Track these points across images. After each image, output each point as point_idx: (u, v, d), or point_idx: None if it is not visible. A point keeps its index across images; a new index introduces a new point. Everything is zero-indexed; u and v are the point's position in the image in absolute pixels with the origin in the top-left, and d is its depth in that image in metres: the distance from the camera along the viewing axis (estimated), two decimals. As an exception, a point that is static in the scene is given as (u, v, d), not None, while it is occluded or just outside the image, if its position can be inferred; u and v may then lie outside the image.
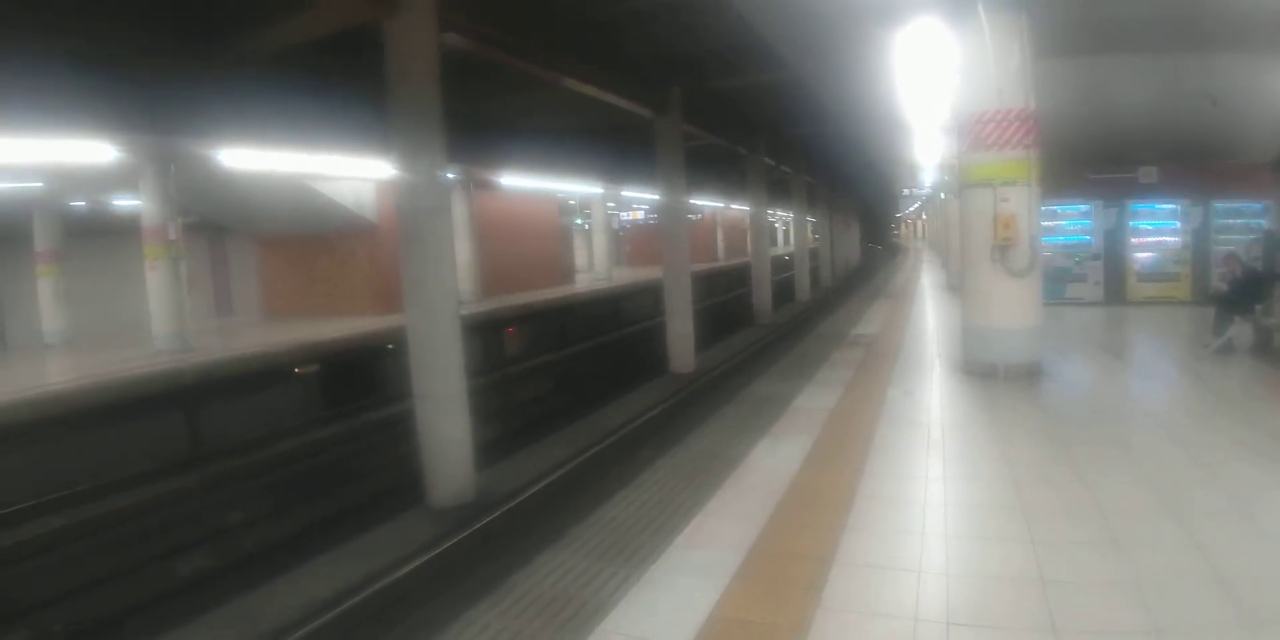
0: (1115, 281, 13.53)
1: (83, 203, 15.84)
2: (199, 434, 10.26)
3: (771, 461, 5.30)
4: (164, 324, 12.45)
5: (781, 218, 47.21)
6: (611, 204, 27.81)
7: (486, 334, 15.20)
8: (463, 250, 16.59)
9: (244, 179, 13.00)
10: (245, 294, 18.49)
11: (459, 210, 17.23)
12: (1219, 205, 13.15)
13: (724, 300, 26.50)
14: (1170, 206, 13.34)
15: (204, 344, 12.73)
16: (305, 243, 16.93)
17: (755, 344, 17.09)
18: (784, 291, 26.65)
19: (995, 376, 7.63)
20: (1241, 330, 8.44)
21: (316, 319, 15.54)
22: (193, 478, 9.01)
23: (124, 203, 15.44)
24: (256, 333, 14.43)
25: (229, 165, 11.06)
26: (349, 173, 14.02)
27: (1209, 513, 4.06)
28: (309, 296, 16.92)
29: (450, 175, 10.70)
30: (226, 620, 5.38)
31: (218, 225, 17.91)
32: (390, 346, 12.73)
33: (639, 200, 28.23)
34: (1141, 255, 13.45)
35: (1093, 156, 13.48)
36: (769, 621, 3.13)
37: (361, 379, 12.76)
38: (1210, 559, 3.50)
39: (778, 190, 28.36)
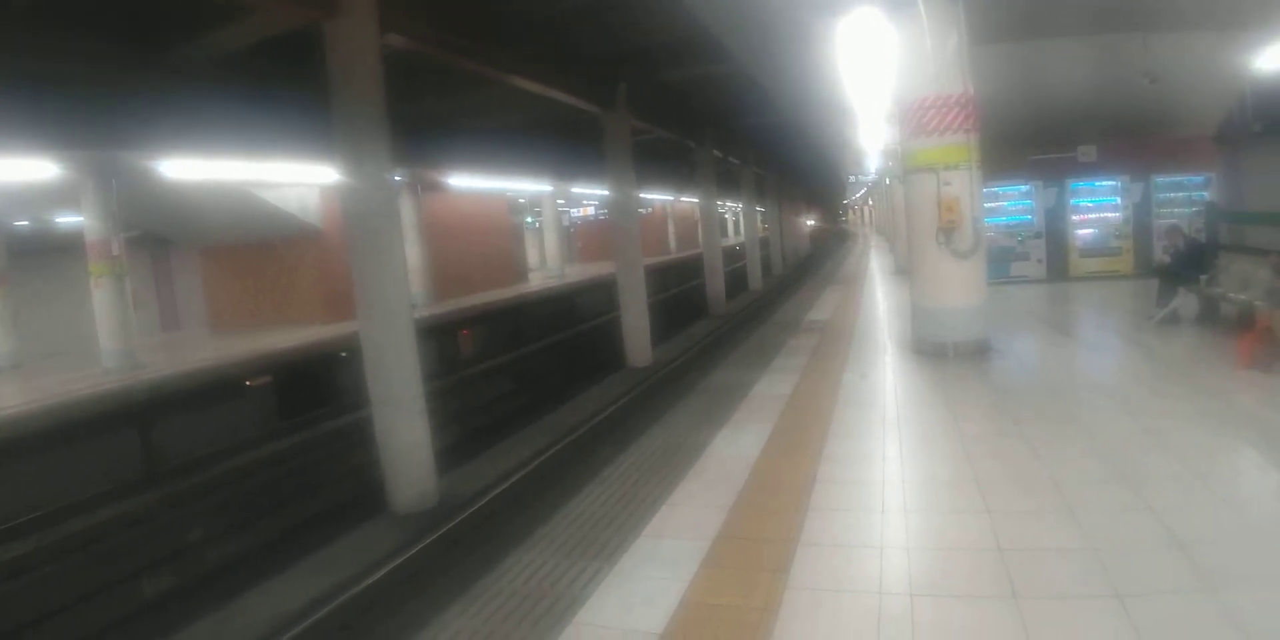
0: (1058, 258, 13.90)
1: (25, 222, 15.34)
2: (153, 452, 10.02)
3: (733, 450, 5.36)
4: (111, 341, 12.16)
5: (732, 208, 47.51)
6: (562, 201, 27.74)
7: (441, 337, 15.07)
8: (412, 253, 16.38)
9: (186, 189, 12.73)
10: (191, 307, 18.06)
11: (407, 212, 17.04)
12: (1159, 180, 13.55)
13: (678, 292, 26.63)
14: (1110, 183, 13.72)
15: (152, 360, 12.42)
16: (251, 252, 16.60)
17: (711, 334, 17.21)
18: (737, 281, 26.86)
19: (945, 355, 7.80)
20: (1186, 301, 8.72)
21: (266, 329, 15.26)
22: (151, 496, 8.80)
23: (67, 220, 14.99)
24: (204, 346, 14.12)
25: (171, 176, 10.83)
26: (293, 179, 13.79)
27: (1161, 478, 4.20)
28: (257, 306, 16.60)
29: (397, 177, 10.60)
30: (196, 637, 5.28)
31: (161, 238, 17.47)
32: (343, 354, 12.56)
33: (589, 196, 28.21)
34: (1083, 232, 13.84)
35: (1033, 138, 13.82)
36: (739, 604, 3.19)
37: (315, 389, 12.57)
38: (1165, 523, 3.63)
39: (727, 181, 28.55)
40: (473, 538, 6.64)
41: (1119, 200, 13.65)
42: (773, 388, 7.19)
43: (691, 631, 3.02)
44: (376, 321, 7.46)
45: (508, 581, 3.77)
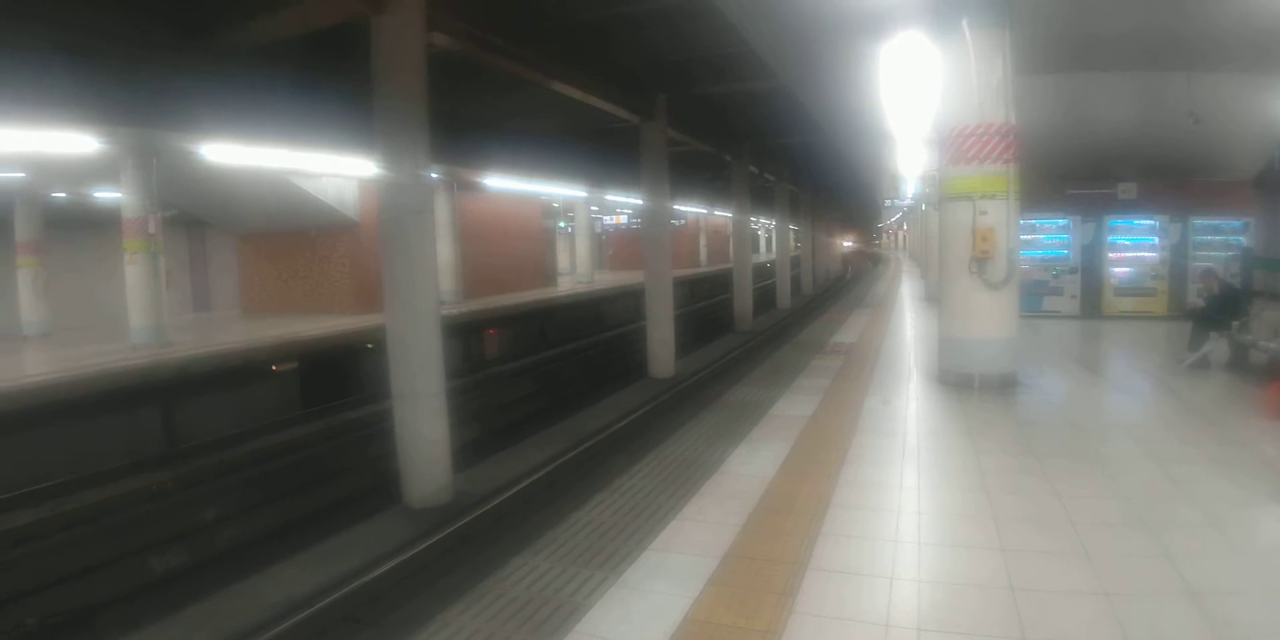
0: (1092, 295, 13.69)
1: (64, 194, 15.65)
2: (175, 429, 10.16)
3: (748, 468, 5.33)
4: (141, 318, 12.32)
5: (764, 225, 47.41)
6: (595, 207, 27.83)
7: (467, 335, 15.16)
8: (444, 251, 16.57)
9: (226, 174, 12.91)
10: (223, 290, 18.34)
11: (442, 210, 17.20)
12: (1197, 222, 13.33)
13: (705, 306, 26.59)
14: (1149, 222, 13.51)
15: (180, 339, 12.60)
16: (286, 239, 16.83)
17: (735, 350, 17.15)
18: (765, 298, 26.77)
19: (971, 387, 7.71)
20: (1218, 346, 8.56)
21: (295, 316, 15.45)
22: (169, 473, 8.92)
23: (105, 195, 15.26)
24: (234, 329, 14.30)
25: (211, 159, 10.98)
26: (332, 170, 13.96)
27: (1180, 525, 4.12)
28: (288, 293, 16.83)
29: (434, 175, 10.69)
30: (200, 618, 5.33)
31: (197, 220, 17.76)
32: (370, 345, 12.68)
33: (622, 204, 28.27)
34: (1119, 270, 13.62)
35: (1072, 171, 13.67)
36: (742, 626, 3.16)
37: (340, 377, 12.69)
38: (1181, 571, 3.56)
39: (761, 197, 28.52)
40: (483, 537, 6.65)
41: (1156, 240, 13.44)
42: (793, 408, 7.15)
43: (693, 649, 3.00)
44: (403, 316, 7.53)
45: (512, 584, 3.76)
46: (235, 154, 10.84)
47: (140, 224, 12.19)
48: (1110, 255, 13.61)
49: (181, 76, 8.60)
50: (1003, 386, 7.69)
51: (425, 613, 3.72)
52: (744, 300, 21.49)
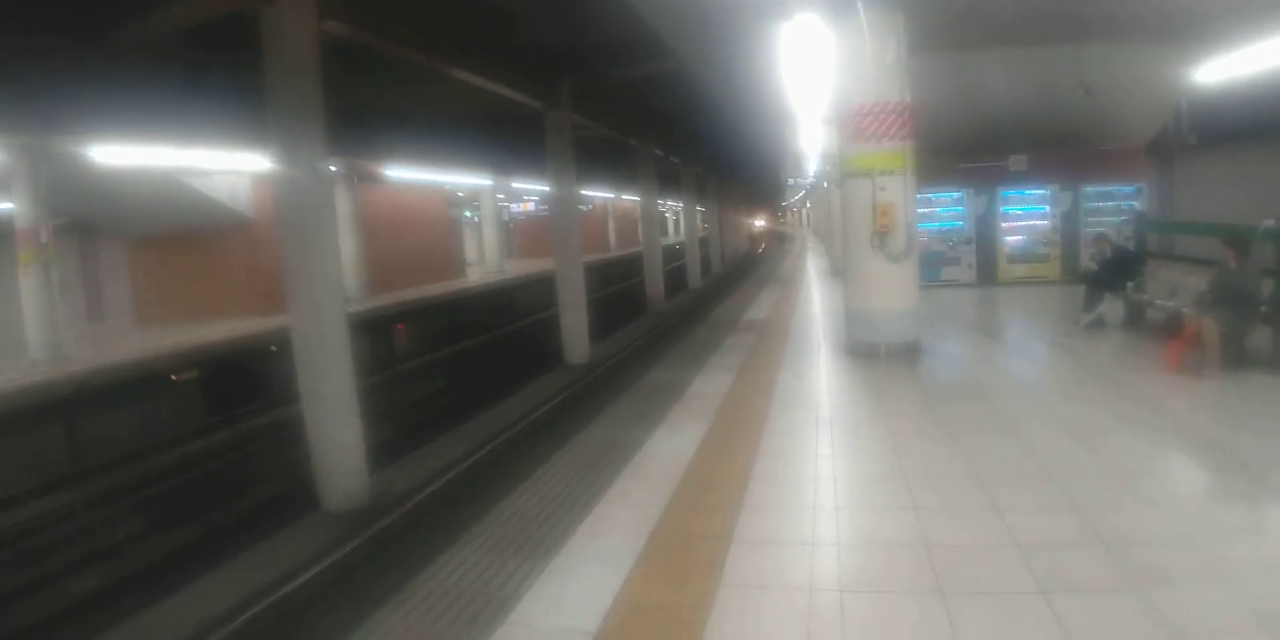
0: (987, 264, 14.32)
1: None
2: (78, 446, 9.63)
3: (669, 448, 5.40)
4: (38, 332, 11.71)
5: (672, 208, 47.73)
6: (501, 195, 27.46)
7: (375, 332, 14.79)
8: (347, 245, 16.08)
9: (116, 176, 12.27)
10: (118, 298, 17.32)
11: (343, 204, 16.69)
12: (1089, 189, 14.02)
13: (618, 290, 26.63)
14: (1040, 192, 14.17)
15: (78, 352, 11.93)
16: (179, 241, 16.00)
17: (650, 332, 17.26)
18: (677, 280, 27.00)
19: (877, 356, 7.99)
20: (1112, 307, 9.05)
21: (194, 322, 14.74)
22: (76, 492, 8.46)
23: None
24: (131, 339, 13.58)
25: (100, 162, 10.44)
26: (224, 167, 13.38)
27: (1086, 478, 4.36)
28: (185, 298, 16.02)
29: (333, 168, 10.36)
30: (117, 640, 5.09)
31: (88, 226, 16.72)
32: (273, 348, 12.23)
33: (529, 191, 28.00)
34: (1011, 238, 14.27)
35: (967, 146, 14.20)
36: (673, 601, 3.22)
37: (244, 383, 12.21)
38: (1089, 521, 3.76)
39: (668, 180, 28.67)
40: (406, 536, 6.53)
41: (1048, 209, 14.11)
42: (709, 386, 7.26)
43: (626, 630, 3.04)
44: (308, 315, 7.28)
45: (440, 580, 3.73)
46: (125, 155, 10.36)
47: (33, 234, 11.52)
48: (1003, 225, 14.24)
49: (69, 78, 8.10)
50: (908, 355, 7.98)
51: (355, 616, 3.64)
52: (655, 282, 21.62)
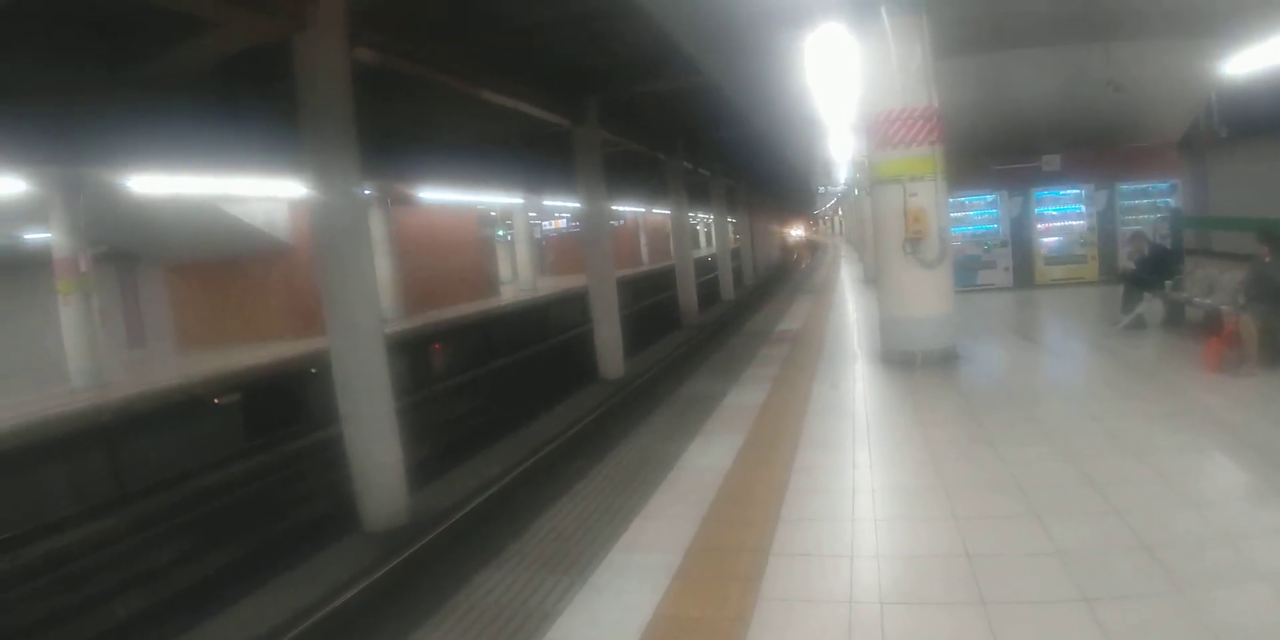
0: (1024, 266, 14.10)
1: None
2: (122, 471, 9.86)
3: (705, 461, 5.38)
4: (79, 359, 12.03)
5: (703, 220, 47.76)
6: (533, 213, 27.71)
7: (412, 352, 14.96)
8: (383, 267, 16.32)
9: (153, 204, 12.60)
10: (158, 324, 17.76)
11: (377, 226, 16.95)
12: (1124, 187, 13.75)
13: (651, 304, 26.66)
14: (1075, 191, 13.93)
15: (119, 378, 12.23)
16: (217, 267, 16.39)
17: (683, 345, 17.25)
18: (709, 292, 26.96)
19: (913, 364, 7.89)
20: (1151, 306, 8.85)
21: (233, 346, 15.05)
22: (121, 516, 8.65)
23: (33, 236, 14.78)
24: (171, 364, 13.90)
25: (137, 191, 10.76)
26: (260, 193, 13.69)
27: (1127, 481, 4.26)
28: (224, 322, 16.38)
29: (367, 191, 10.56)
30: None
31: (126, 253, 17.20)
32: (313, 370, 12.44)
33: (560, 208, 28.22)
34: (1048, 240, 14.04)
35: (998, 148, 14.03)
36: (712, 616, 3.20)
37: (285, 406, 12.41)
38: (1132, 526, 3.67)
39: (698, 193, 28.71)
40: (444, 555, 6.57)
41: (1083, 208, 13.87)
42: (744, 398, 7.23)
43: (664, 644, 3.03)
44: (346, 337, 7.40)
45: (479, 598, 3.74)
46: (162, 184, 10.63)
47: (72, 263, 11.90)
48: (1039, 226, 14.02)
49: (106, 109, 8.37)
50: (944, 361, 7.88)
51: (396, 634, 3.67)
52: (688, 295, 21.63)
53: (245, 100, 9.83)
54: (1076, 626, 2.89)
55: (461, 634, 3.39)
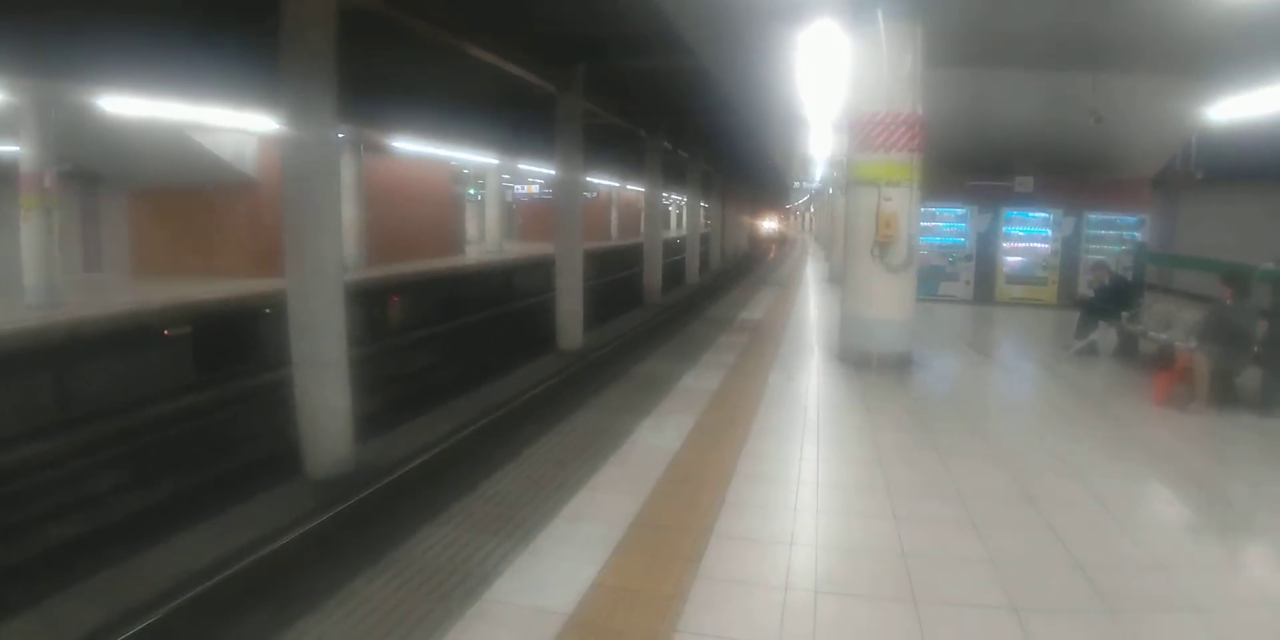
0: (985, 282, 14.37)
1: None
2: (66, 395, 9.63)
3: (656, 439, 5.44)
4: (34, 276, 11.75)
5: (676, 201, 47.70)
6: (506, 175, 27.40)
7: (370, 302, 14.77)
8: (348, 214, 16.05)
9: (122, 126, 12.28)
10: (115, 249, 17.25)
11: (347, 171, 16.62)
12: (1092, 216, 14.04)
13: (615, 279, 26.62)
14: (1043, 215, 14.20)
15: (72, 300, 11.90)
16: (181, 197, 15.96)
17: (644, 324, 17.28)
18: (675, 273, 27.00)
19: (869, 365, 8.03)
20: (1105, 335, 9.09)
21: (189, 278, 14.70)
22: (60, 440, 8.46)
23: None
24: (125, 291, 13.53)
25: (108, 111, 10.47)
26: (231, 124, 13.32)
27: (1064, 499, 4.42)
28: (182, 254, 15.98)
29: (340, 134, 10.32)
30: (94, 593, 5.09)
31: (91, 174, 16.63)
32: (267, 310, 12.22)
33: (534, 174, 27.94)
34: (1012, 259, 14.31)
35: (974, 163, 14.20)
36: (650, 590, 3.26)
37: (235, 344, 12.19)
38: (1064, 541, 3.81)
39: (674, 174, 28.63)
40: (388, 507, 6.55)
41: (1049, 232, 14.15)
42: (700, 382, 7.30)
43: (601, 614, 3.08)
44: (306, 280, 7.27)
45: (420, 554, 3.76)
46: (133, 106, 10.33)
47: (36, 178, 11.55)
48: (1004, 244, 14.28)
49: (84, 27, 8.07)
50: (899, 365, 8.03)
51: (333, 582, 3.67)
52: (654, 275, 21.64)
53: (227, 30, 9.54)
54: (1000, 632, 3.00)
55: (399, 586, 3.41)
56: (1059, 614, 3.15)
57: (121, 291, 13.38)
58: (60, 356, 9.70)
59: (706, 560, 3.54)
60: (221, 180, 15.09)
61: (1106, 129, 11.35)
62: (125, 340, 10.48)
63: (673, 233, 43.91)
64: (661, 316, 18.60)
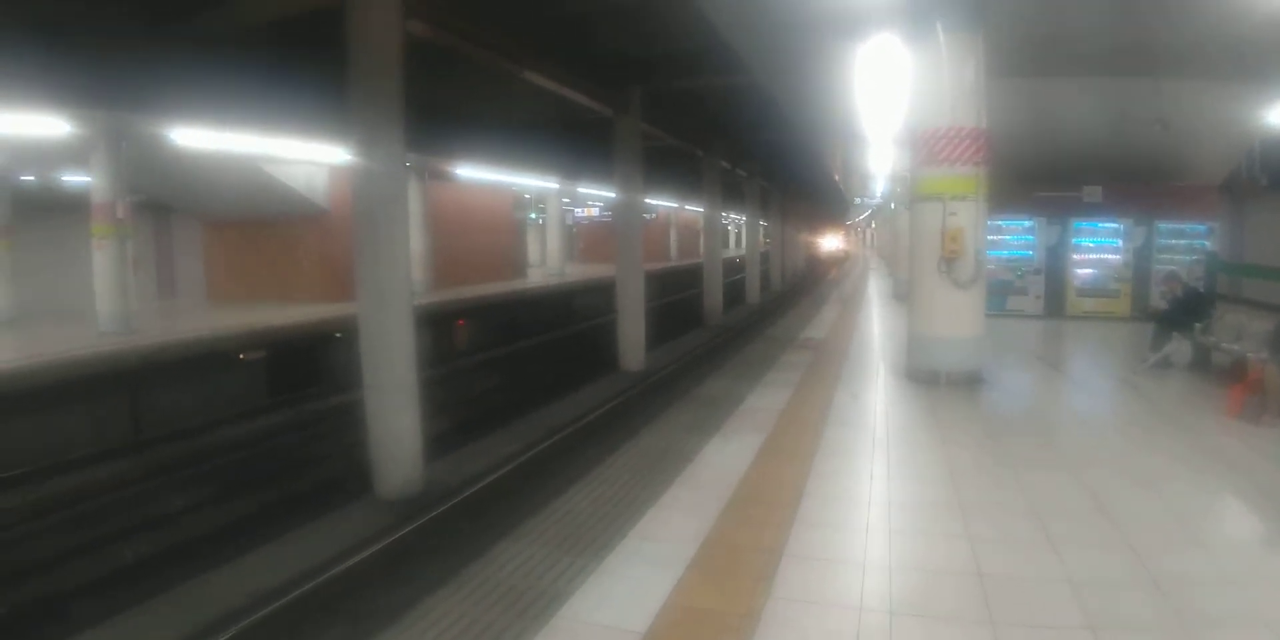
0: (1055, 296, 13.97)
1: (32, 177, 15.31)
2: (140, 417, 10.03)
3: (723, 458, 5.42)
4: (108, 304, 12.21)
5: (734, 220, 47.67)
6: (566, 199, 27.80)
7: (437, 326, 15.09)
8: (415, 240, 16.44)
9: (194, 158, 12.79)
10: (189, 276, 18.03)
11: (412, 199, 17.03)
12: (1162, 225, 13.59)
13: (676, 300, 26.69)
14: (1113, 225, 13.78)
15: (146, 326, 12.42)
16: (253, 226, 16.60)
17: (705, 344, 17.28)
18: (734, 293, 26.95)
19: (938, 383, 7.88)
20: (1180, 347, 8.78)
21: (261, 305, 15.25)
22: (137, 461, 8.81)
23: (74, 179, 15.00)
24: (199, 317, 14.10)
25: (181, 143, 10.90)
26: (301, 156, 13.84)
27: (1143, 517, 4.26)
28: (254, 281, 16.60)
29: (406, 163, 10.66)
30: (170, 607, 5.29)
31: (164, 205, 17.45)
32: (338, 335, 12.59)
33: (594, 197, 28.28)
34: (1082, 271, 13.90)
35: (1040, 174, 13.88)
36: (722, 609, 3.24)
37: (308, 368, 12.57)
38: (1144, 561, 3.69)
39: (732, 193, 28.68)
40: (458, 527, 6.66)
41: (1120, 243, 13.73)
42: (765, 401, 7.26)
43: (675, 632, 3.07)
44: (376, 305, 7.51)
45: (494, 571, 3.81)
46: (205, 138, 10.76)
47: (109, 208, 12.06)
48: (1074, 257, 13.89)
49: (156, 61, 8.49)
50: (969, 383, 7.86)
51: (409, 600, 3.75)
52: (714, 295, 21.64)
53: (296, 63, 9.95)
54: (1084, 653, 2.91)
55: (476, 603, 3.46)
56: (1135, 631, 3.06)
57: (195, 318, 13.94)
58: (135, 382, 10.08)
59: (779, 580, 3.51)
60: (292, 210, 15.66)
61: (1172, 135, 11.04)
62: (200, 365, 10.89)
63: (732, 252, 43.84)
64: (723, 336, 18.59)
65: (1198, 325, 8.55)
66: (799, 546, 3.89)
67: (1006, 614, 3.20)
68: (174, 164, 13.34)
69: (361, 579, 5.74)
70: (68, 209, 15.36)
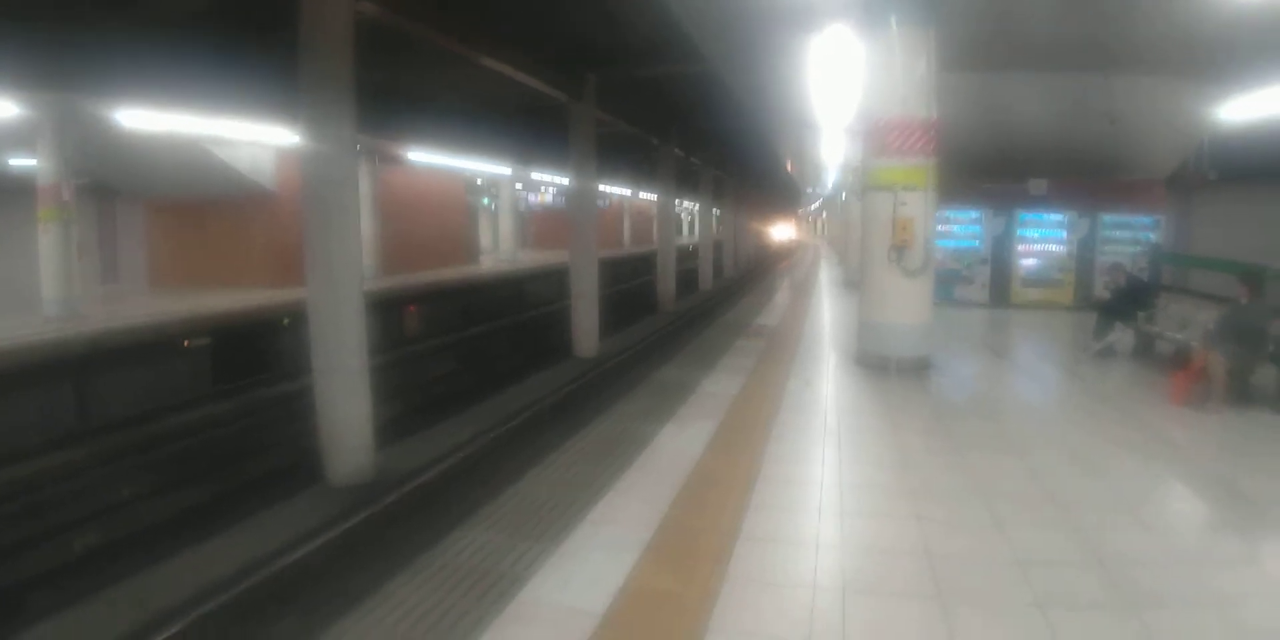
0: (1001, 285, 14.30)
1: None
2: (86, 406, 9.74)
3: (678, 444, 5.47)
4: (53, 289, 11.87)
5: (688, 208, 47.79)
6: (519, 185, 27.56)
7: (387, 312, 14.88)
8: (365, 224, 16.18)
9: (140, 140, 12.43)
10: (132, 261, 17.44)
11: (363, 183, 16.73)
12: (1107, 218, 13.96)
13: (629, 287, 26.70)
14: (1059, 217, 14.14)
15: (91, 312, 12.05)
16: (198, 209, 16.14)
17: (659, 331, 17.33)
18: (688, 281, 27.05)
19: (887, 369, 8.04)
20: (1123, 336, 9.09)
21: (207, 290, 14.87)
22: (81, 451, 8.56)
23: (17, 162, 14.41)
24: (144, 302, 13.69)
25: (126, 125, 10.59)
26: (249, 137, 13.50)
27: (1088, 500, 4.43)
28: (199, 265, 16.15)
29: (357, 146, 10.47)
30: (117, 601, 5.17)
31: (108, 187, 16.84)
32: (285, 321, 12.34)
33: (547, 183, 28.09)
34: (1027, 262, 14.26)
35: (988, 166, 14.17)
36: (679, 591, 3.30)
37: (254, 354, 12.31)
38: (1088, 540, 3.84)
39: (687, 181, 28.73)
40: (411, 514, 6.62)
41: (1064, 234, 14.10)
42: (718, 387, 7.33)
43: (632, 614, 3.12)
44: (325, 289, 7.37)
45: (452, 556, 3.81)
46: (151, 120, 10.47)
47: (54, 191, 11.69)
48: (1019, 247, 14.24)
49: (104, 41, 8.21)
50: (918, 369, 8.04)
51: (367, 586, 3.73)
52: (667, 282, 21.70)
53: (246, 44, 9.69)
54: (1026, 628, 3.03)
55: (435, 588, 3.46)
56: (1081, 609, 3.19)
57: (140, 303, 13.54)
58: (80, 368, 9.80)
59: (734, 562, 3.58)
60: (239, 192, 15.26)
61: (1121, 130, 11.34)
62: (145, 351, 10.59)
63: (685, 239, 43.95)
64: (676, 323, 18.66)
65: (1141, 314, 8.84)
66: (754, 528, 3.96)
67: (955, 591, 3.32)
68: (119, 145, 12.96)
69: (315, 566, 5.67)
70: (10, 192, 14.77)
